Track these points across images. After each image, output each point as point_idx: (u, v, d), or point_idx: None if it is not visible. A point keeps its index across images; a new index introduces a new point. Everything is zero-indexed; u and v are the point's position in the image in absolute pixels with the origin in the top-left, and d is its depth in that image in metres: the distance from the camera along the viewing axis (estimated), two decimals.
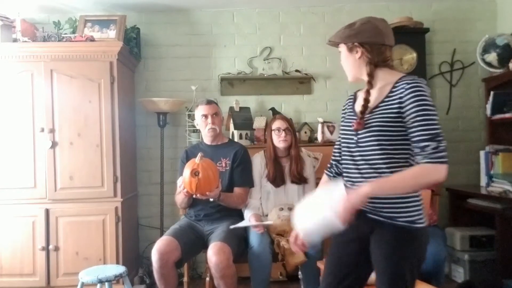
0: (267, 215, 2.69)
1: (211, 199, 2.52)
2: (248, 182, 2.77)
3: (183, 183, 2.44)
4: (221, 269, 2.35)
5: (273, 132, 2.78)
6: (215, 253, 2.36)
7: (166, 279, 2.48)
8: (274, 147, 2.79)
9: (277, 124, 2.79)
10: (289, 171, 2.79)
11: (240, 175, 2.74)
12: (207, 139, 2.84)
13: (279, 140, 2.76)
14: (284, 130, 2.75)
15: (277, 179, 2.76)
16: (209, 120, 2.75)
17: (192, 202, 2.72)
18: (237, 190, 2.73)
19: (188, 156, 2.76)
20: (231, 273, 2.40)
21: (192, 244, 2.61)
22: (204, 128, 2.79)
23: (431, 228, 2.44)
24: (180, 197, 2.66)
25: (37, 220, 3.07)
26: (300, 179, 2.78)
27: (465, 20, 3.86)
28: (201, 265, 3.61)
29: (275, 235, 2.52)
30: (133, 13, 3.69)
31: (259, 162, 2.83)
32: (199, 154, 2.44)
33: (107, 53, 3.13)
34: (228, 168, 2.76)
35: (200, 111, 2.80)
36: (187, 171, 2.40)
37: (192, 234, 2.65)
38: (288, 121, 2.83)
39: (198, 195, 2.45)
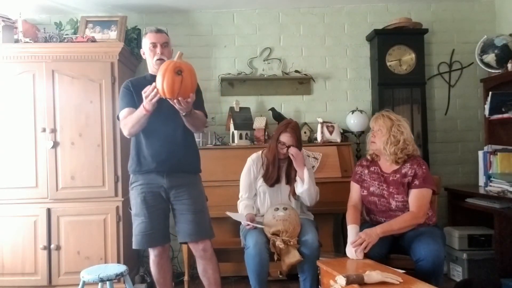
0: (263, 215, 2.70)
1: (184, 114, 2.26)
2: (203, 105, 2.56)
3: (162, 86, 2.09)
4: (209, 257, 2.49)
5: (278, 142, 2.72)
6: (202, 257, 2.48)
7: (165, 270, 2.53)
8: (278, 152, 2.74)
9: (284, 138, 2.70)
10: (285, 172, 2.77)
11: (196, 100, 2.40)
12: (154, 69, 2.50)
13: (280, 152, 2.72)
14: (288, 147, 2.69)
15: (273, 179, 2.74)
16: (158, 50, 2.46)
17: (150, 140, 2.42)
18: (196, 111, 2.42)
19: (134, 85, 2.47)
20: (215, 259, 2.54)
21: (166, 224, 2.53)
22: (152, 58, 2.49)
23: (430, 228, 2.48)
24: (138, 116, 2.29)
25: (39, 220, 3.09)
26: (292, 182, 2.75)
27: (464, 21, 3.88)
28: None
29: (271, 235, 2.52)
30: (134, 14, 3.71)
31: (254, 163, 2.79)
32: (178, 53, 2.19)
33: (108, 54, 3.15)
34: None
35: (148, 39, 2.50)
36: (166, 73, 2.07)
37: (161, 214, 2.48)
38: (296, 135, 2.71)
39: (180, 98, 2.15)
